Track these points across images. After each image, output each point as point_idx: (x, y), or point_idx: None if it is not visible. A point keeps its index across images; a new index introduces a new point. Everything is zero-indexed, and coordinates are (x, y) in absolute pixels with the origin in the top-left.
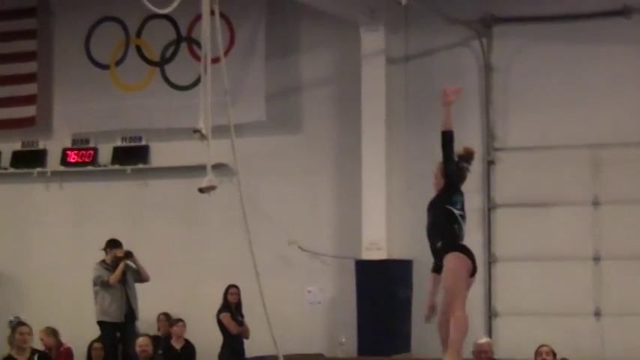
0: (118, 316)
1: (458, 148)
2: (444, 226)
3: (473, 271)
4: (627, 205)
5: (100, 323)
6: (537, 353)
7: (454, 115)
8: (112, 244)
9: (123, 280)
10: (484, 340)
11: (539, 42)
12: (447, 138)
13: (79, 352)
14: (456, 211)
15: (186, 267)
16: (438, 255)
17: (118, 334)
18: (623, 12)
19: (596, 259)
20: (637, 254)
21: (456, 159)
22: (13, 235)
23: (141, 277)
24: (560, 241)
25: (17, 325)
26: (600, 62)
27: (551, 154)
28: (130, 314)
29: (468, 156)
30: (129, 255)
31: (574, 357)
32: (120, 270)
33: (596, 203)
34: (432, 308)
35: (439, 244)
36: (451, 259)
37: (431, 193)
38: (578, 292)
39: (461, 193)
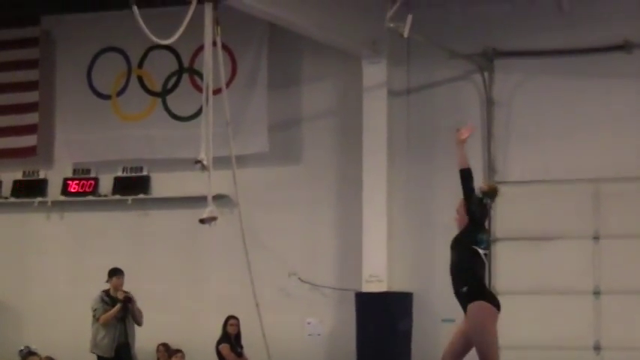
0: (108, 350)
1: (478, 183)
2: (468, 269)
3: (498, 310)
4: (627, 239)
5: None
6: None
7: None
8: (114, 272)
9: (123, 316)
10: None
11: (541, 76)
12: (465, 175)
13: None
14: (481, 251)
15: (186, 297)
16: (462, 300)
17: None
18: (624, 47)
19: (597, 293)
20: (637, 289)
21: (480, 195)
22: (13, 265)
23: (135, 319)
24: (560, 275)
25: (27, 355)
26: (601, 96)
27: (551, 187)
28: (126, 348)
29: (491, 192)
30: (127, 300)
31: None
32: (112, 314)
33: (596, 237)
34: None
35: (464, 289)
36: (477, 313)
37: (431, 226)
38: (578, 326)
39: (486, 231)
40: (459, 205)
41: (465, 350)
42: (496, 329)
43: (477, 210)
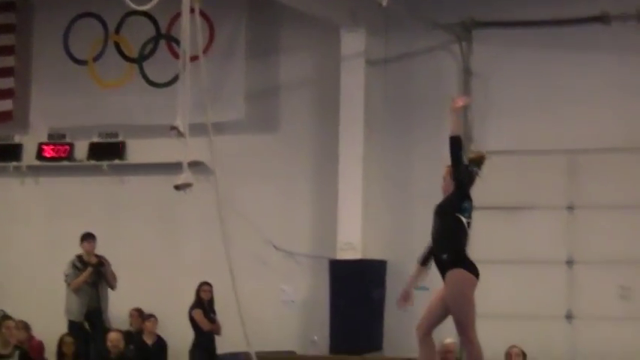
0: (78, 315)
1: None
2: (451, 236)
3: (477, 279)
4: (601, 209)
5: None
6: (507, 354)
7: (431, 117)
8: (87, 237)
9: (95, 281)
10: (449, 340)
11: (519, 47)
12: (455, 143)
13: (52, 346)
14: (465, 220)
15: (160, 263)
16: (443, 267)
17: (87, 327)
18: (602, 19)
19: (570, 262)
20: (609, 259)
21: (466, 162)
22: None
23: (108, 283)
24: (534, 245)
25: (2, 319)
26: (578, 68)
27: (527, 158)
28: (97, 313)
29: (478, 160)
30: (99, 264)
31: (545, 359)
32: (82, 279)
33: (570, 207)
34: (407, 297)
35: (445, 256)
36: (456, 281)
37: (406, 195)
38: (551, 296)
39: (470, 200)
40: (445, 172)
41: (443, 317)
42: (474, 298)
43: (463, 178)
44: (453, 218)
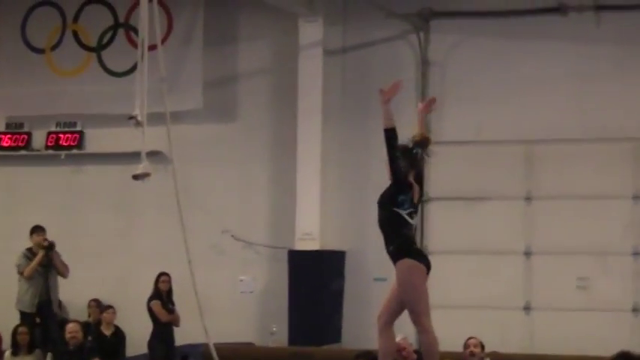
0: (29, 306)
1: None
2: (392, 230)
3: (427, 270)
4: (558, 200)
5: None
6: (465, 345)
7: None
8: (36, 229)
9: (45, 271)
10: (399, 337)
11: (476, 37)
12: (388, 135)
13: (6, 337)
14: (404, 212)
15: (118, 254)
16: (391, 258)
17: (38, 320)
18: (559, 9)
19: (528, 253)
20: (566, 249)
21: (411, 145)
22: None
23: (59, 271)
24: (492, 235)
25: None
26: (536, 58)
27: (485, 148)
28: (47, 304)
29: (423, 141)
30: (51, 247)
31: (503, 350)
32: (35, 263)
33: (528, 198)
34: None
35: (391, 248)
36: (403, 271)
37: (365, 186)
38: (509, 286)
39: (408, 189)
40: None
41: (401, 308)
42: (425, 286)
43: (398, 171)
44: (391, 212)
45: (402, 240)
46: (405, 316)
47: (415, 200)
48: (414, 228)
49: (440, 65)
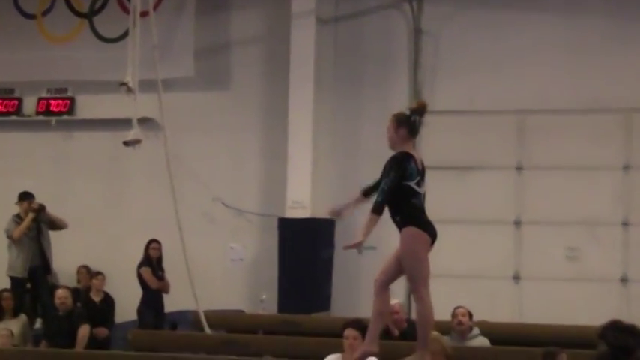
0: (21, 271)
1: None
2: (401, 200)
3: (432, 240)
4: (550, 171)
5: (9, 275)
6: (453, 314)
7: (382, 77)
8: (25, 196)
9: (36, 234)
10: (394, 301)
11: (469, 7)
12: (379, 208)
13: None
14: (412, 183)
15: (108, 220)
16: (397, 226)
17: (29, 285)
18: None
19: (518, 223)
20: (556, 219)
21: (409, 112)
22: None
23: (58, 225)
24: (482, 205)
25: None
26: (528, 29)
27: (477, 118)
28: (43, 267)
29: (420, 109)
30: (41, 209)
31: (492, 319)
32: (25, 225)
33: (519, 168)
34: (336, 212)
35: (397, 218)
36: (407, 239)
37: (357, 154)
38: (499, 256)
39: (413, 162)
40: (389, 124)
41: (398, 274)
42: (426, 256)
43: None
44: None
45: (411, 209)
46: (400, 285)
47: (420, 168)
48: (424, 196)
49: (433, 35)
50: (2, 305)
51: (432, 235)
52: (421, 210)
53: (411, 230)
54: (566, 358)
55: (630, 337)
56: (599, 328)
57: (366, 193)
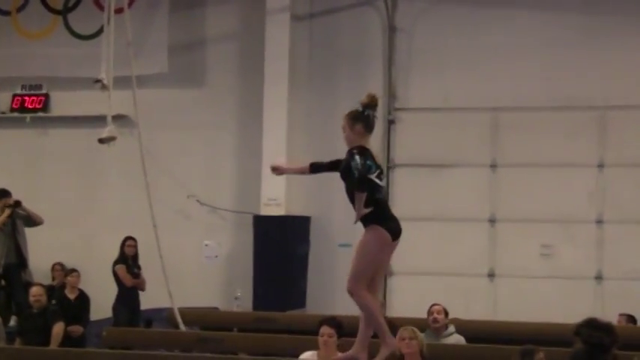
0: None
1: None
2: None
3: (395, 236)
4: (523, 168)
5: None
6: (429, 312)
7: (356, 73)
8: (1, 194)
9: (11, 230)
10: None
11: (444, 4)
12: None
13: None
14: (372, 176)
15: (83, 217)
16: (361, 221)
17: (3, 283)
18: None
19: (492, 220)
20: (531, 217)
21: (361, 108)
22: None
23: (33, 220)
24: (457, 203)
25: None
26: (503, 26)
27: (451, 115)
28: (19, 263)
29: (372, 103)
30: (17, 204)
31: (467, 317)
32: (2, 219)
33: (493, 165)
34: (277, 169)
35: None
36: (368, 235)
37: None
38: (474, 253)
39: (370, 156)
40: (343, 123)
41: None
42: (379, 258)
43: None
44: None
45: (375, 204)
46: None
47: (378, 161)
48: (385, 190)
49: (407, 32)
50: None
51: (396, 231)
52: (384, 204)
53: (376, 231)
54: (543, 356)
55: (606, 335)
56: (575, 326)
57: (315, 169)
